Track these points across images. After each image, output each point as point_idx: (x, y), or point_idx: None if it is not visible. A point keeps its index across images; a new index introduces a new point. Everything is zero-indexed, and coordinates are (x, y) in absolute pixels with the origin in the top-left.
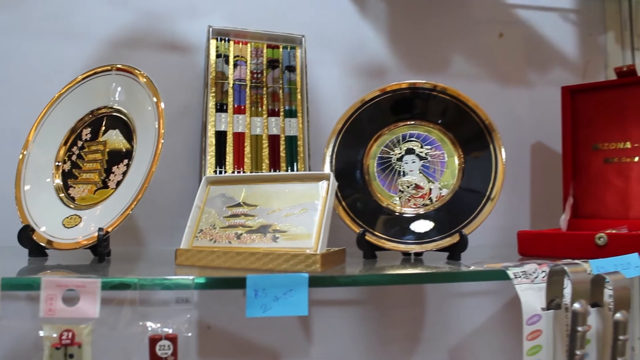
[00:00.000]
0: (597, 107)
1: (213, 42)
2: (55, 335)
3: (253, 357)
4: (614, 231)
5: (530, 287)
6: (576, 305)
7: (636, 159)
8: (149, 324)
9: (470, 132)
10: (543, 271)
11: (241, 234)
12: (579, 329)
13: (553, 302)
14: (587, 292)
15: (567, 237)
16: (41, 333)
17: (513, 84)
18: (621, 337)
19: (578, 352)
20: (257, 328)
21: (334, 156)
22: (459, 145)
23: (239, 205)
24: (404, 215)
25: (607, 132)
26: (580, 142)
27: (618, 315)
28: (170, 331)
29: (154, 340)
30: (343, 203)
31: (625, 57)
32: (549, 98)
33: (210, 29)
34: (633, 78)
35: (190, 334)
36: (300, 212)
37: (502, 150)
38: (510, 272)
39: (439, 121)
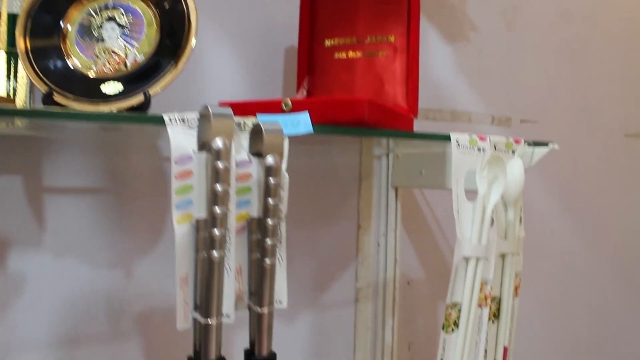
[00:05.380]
0: (332, 4)
1: None
2: None
3: None
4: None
5: (185, 131)
6: (218, 144)
7: (359, 54)
8: None
9: None
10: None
11: None
12: (220, 164)
13: (204, 145)
14: (230, 134)
15: (260, 105)
16: None
17: None
18: (272, 180)
19: (219, 188)
20: None
21: (33, 18)
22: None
23: None
24: (97, 78)
25: (339, 28)
26: (316, 38)
27: (269, 160)
28: None
29: None
30: (35, 66)
31: None
32: None
33: None
34: None
35: None
36: None
37: (194, 35)
38: (166, 117)
39: None
